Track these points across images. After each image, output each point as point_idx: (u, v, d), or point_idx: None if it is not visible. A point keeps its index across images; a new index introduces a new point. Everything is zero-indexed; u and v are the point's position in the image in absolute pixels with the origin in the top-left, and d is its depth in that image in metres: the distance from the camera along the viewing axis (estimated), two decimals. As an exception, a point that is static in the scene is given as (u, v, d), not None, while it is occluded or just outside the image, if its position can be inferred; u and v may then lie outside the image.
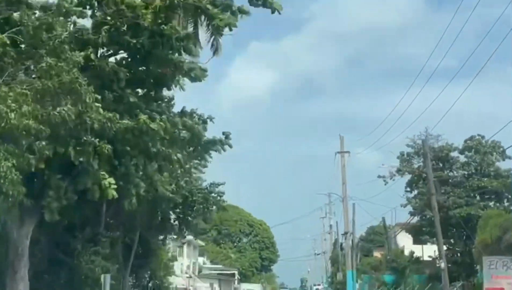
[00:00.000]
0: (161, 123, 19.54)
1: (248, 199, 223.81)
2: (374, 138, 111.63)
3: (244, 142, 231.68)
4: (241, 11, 20.81)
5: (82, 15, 19.19)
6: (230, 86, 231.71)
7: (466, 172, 52.33)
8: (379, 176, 55.65)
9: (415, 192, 54.37)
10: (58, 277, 27.33)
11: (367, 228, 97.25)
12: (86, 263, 26.80)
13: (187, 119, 22.30)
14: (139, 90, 22.80)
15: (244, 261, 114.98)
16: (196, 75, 21.74)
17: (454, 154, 53.42)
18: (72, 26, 19.48)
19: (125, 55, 21.28)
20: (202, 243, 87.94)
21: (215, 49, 26.16)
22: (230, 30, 20.71)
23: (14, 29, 16.67)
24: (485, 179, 50.36)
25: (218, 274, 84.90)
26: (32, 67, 16.90)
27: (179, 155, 21.67)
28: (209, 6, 20.16)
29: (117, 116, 18.48)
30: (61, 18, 17.75)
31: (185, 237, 42.54)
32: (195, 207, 34.21)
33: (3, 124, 15.30)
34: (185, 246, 71.20)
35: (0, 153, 15.83)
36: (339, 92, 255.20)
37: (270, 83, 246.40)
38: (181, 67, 20.96)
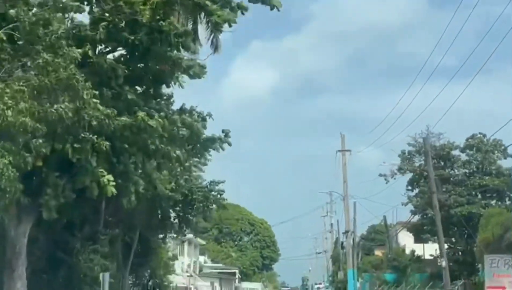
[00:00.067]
0: (160, 120, 19.34)
1: (249, 198, 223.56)
2: (375, 137, 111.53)
3: (245, 141, 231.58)
4: (240, 7, 20.67)
5: (79, 10, 18.97)
6: (231, 85, 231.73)
7: (467, 171, 52.27)
8: (380, 175, 55.59)
9: (416, 190, 54.30)
10: (57, 276, 27.15)
11: (368, 227, 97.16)
12: (85, 262, 26.61)
13: (186, 117, 22.09)
14: (138, 88, 22.61)
15: (245, 260, 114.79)
16: (195, 72, 21.57)
17: (456, 152, 53.41)
18: (69, 22, 19.29)
19: (123, 52, 21.09)
20: (203, 242, 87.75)
21: (215, 47, 26.04)
22: (230, 26, 20.55)
23: (10, 25, 16.45)
24: (487, 177, 50.33)
25: (219, 273, 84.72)
26: (29, 63, 16.68)
27: (178, 152, 21.46)
28: (208, 2, 20.00)
29: (115, 112, 18.26)
30: (59, 14, 17.52)
31: (185, 235, 42.37)
32: (195, 206, 34.04)
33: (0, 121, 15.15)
34: (185, 245, 71.08)
35: (-3, 150, 15.70)
36: (340, 91, 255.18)
37: (271, 82, 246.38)
38: (179, 64, 20.79)
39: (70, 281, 27.15)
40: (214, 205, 35.68)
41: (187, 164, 29.05)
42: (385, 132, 79.99)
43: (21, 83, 16.03)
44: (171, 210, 34.19)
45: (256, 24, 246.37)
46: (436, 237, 43.32)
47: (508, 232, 35.36)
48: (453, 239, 51.24)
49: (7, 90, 15.77)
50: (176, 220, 35.52)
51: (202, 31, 25.76)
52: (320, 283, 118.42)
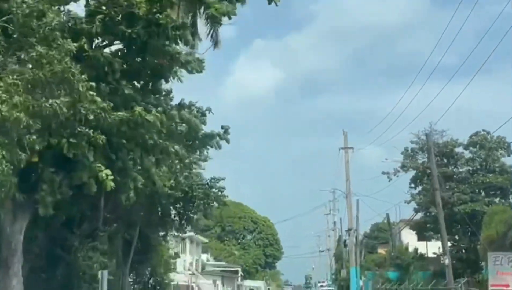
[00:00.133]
0: (157, 115, 19.01)
1: (252, 196, 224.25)
2: (377, 135, 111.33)
3: (247, 139, 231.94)
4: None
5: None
6: (233, 84, 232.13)
7: (471, 168, 51.95)
8: (383, 173, 55.31)
9: (419, 188, 54.01)
10: (55, 274, 26.90)
11: (371, 225, 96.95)
12: (84, 259, 26.39)
13: (185, 112, 21.78)
14: (136, 83, 22.29)
15: (248, 258, 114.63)
16: (193, 67, 21.23)
17: (459, 149, 53.07)
18: (65, 15, 18.95)
19: (120, 46, 20.77)
20: (205, 239, 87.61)
21: (215, 42, 25.74)
22: (229, 18, 20.24)
23: (4, 18, 16.14)
24: (490, 175, 50.03)
25: (221, 271, 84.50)
26: (22, 56, 16.35)
27: (176, 148, 21.15)
28: (205, -5, 19.68)
29: (111, 104, 17.92)
30: (53, 6, 17.17)
31: (185, 232, 42.08)
32: (195, 203, 33.74)
33: (-7, 116, 14.86)
34: (187, 243, 70.91)
35: (-10, 144, 15.41)
36: (341, 90, 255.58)
37: (273, 81, 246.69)
38: (177, 59, 20.45)
39: (69, 278, 26.90)
40: (215, 203, 35.36)
41: (187, 161, 28.77)
42: (386, 130, 79.95)
43: (15, 77, 15.72)
44: (171, 207, 33.86)
45: (259, 23, 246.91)
46: (439, 235, 43.06)
47: (512, 230, 35.12)
48: (457, 237, 50.96)
49: (1, 84, 15.47)
50: (177, 217, 35.20)
51: (202, 26, 25.49)
52: (323, 281, 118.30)
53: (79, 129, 17.38)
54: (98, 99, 17.10)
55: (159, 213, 33.42)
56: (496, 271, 32.44)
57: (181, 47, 21.63)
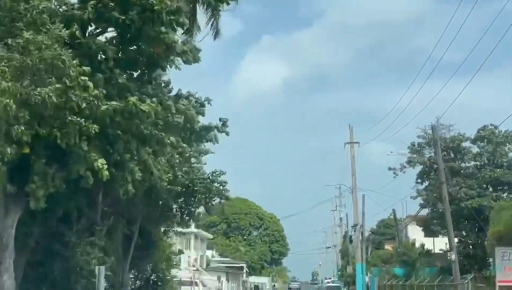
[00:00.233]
0: (152, 105, 18.37)
1: (258, 192, 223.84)
2: (383, 130, 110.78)
3: (255, 135, 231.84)
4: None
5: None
6: (242, 80, 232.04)
7: (478, 163, 51.42)
8: (389, 168, 54.92)
9: (426, 183, 53.50)
10: (53, 269, 26.37)
11: (377, 221, 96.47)
12: (82, 255, 25.84)
13: (181, 104, 21.08)
14: (133, 73, 21.68)
15: (254, 255, 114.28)
16: (188, 59, 20.57)
17: (466, 144, 52.52)
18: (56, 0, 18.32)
19: (114, 33, 20.12)
20: (210, 235, 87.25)
21: (215, 31, 25.15)
22: (228, 4, 19.63)
23: (-9, 3, 15.57)
24: (498, 169, 49.49)
25: (226, 267, 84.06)
26: (10, 41, 15.74)
27: (172, 139, 20.50)
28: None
29: (104, 91, 17.30)
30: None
31: (188, 227, 41.54)
32: (197, 197, 33.18)
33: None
34: (192, 239, 70.52)
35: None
36: (349, 85, 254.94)
37: (281, 77, 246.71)
38: (173, 48, 19.78)
39: (66, 274, 26.35)
40: (217, 198, 34.81)
41: (186, 154, 28.23)
42: (390, 126, 79.40)
43: (2, 64, 15.14)
44: (172, 202, 33.27)
45: (267, 19, 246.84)
46: (446, 231, 42.52)
47: (520, 225, 34.57)
48: (464, 233, 50.45)
49: (-12, 71, 14.92)
50: (178, 212, 34.65)
51: (203, 20, 24.89)
52: (329, 278, 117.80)
53: (70, 118, 16.70)
54: (90, 84, 16.47)
55: (160, 207, 32.82)
56: (504, 267, 32.00)
57: (178, 36, 21.07)
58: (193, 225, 45.79)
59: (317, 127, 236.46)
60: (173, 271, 42.15)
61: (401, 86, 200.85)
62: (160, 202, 32.05)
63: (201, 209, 35.86)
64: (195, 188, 32.76)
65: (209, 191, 33.42)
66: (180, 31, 21.73)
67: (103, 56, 19.07)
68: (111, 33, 20.21)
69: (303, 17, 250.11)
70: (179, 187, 29.79)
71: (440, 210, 46.36)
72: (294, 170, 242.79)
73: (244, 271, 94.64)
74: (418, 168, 53.89)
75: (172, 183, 27.47)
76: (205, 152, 31.85)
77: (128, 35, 19.60)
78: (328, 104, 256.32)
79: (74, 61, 16.22)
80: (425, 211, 56.19)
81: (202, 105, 22.91)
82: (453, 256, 37.86)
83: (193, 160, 31.82)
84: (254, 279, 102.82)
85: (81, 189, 23.92)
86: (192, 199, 33.50)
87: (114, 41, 20.09)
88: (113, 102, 18.04)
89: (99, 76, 18.62)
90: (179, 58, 20.64)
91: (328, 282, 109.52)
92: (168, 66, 21.16)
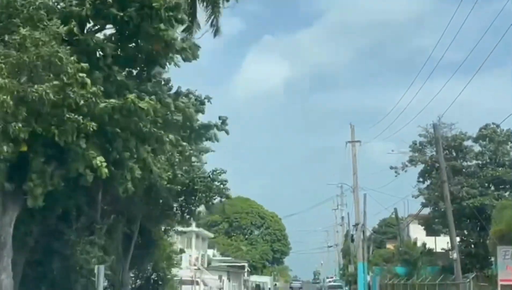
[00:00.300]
0: (151, 102, 18.22)
1: (259, 191, 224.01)
2: (385, 129, 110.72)
3: (256, 134, 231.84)
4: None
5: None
6: (243, 79, 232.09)
7: (480, 162, 51.25)
8: (391, 167, 54.82)
9: (428, 182, 53.36)
10: (52, 268, 26.25)
11: (379, 220, 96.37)
12: (81, 253, 25.72)
13: (180, 101, 20.91)
14: (133, 71, 21.54)
15: (255, 254, 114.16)
16: (187, 56, 20.40)
17: (468, 143, 52.36)
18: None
19: (113, 30, 19.98)
20: (211, 234, 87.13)
21: (215, 29, 25.00)
22: (227, 1, 19.48)
23: (-12, -1, 15.42)
24: (500, 168, 49.30)
25: (228, 266, 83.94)
26: (6, 38, 15.59)
27: (171, 137, 20.34)
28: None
29: (101, 88, 17.15)
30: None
31: (189, 225, 41.42)
32: (197, 196, 33.04)
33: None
34: (193, 238, 70.38)
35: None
36: (350, 85, 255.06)
37: (282, 76, 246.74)
38: (172, 45, 19.62)
39: (66, 273, 26.23)
40: (217, 196, 34.67)
41: (186, 153, 28.11)
42: (391, 124, 79.27)
43: (-1, 60, 15.01)
44: (172, 201, 33.13)
45: (268, 19, 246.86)
46: (447, 230, 42.37)
47: (522, 224, 34.43)
48: (465, 232, 50.23)
49: (-16, 68, 14.77)
50: (179, 211, 34.52)
51: (203, 14, 24.76)
52: (331, 277, 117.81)
53: (68, 115, 16.55)
54: (88, 81, 16.32)
55: (160, 206, 32.69)
56: (506, 266, 31.84)
57: (178, 33, 20.94)
58: (194, 224, 45.54)
59: (318, 127, 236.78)
60: (174, 270, 42.05)
61: (402, 86, 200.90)
62: (161, 201, 31.93)
63: (201, 207, 35.72)
64: (196, 187, 32.61)
65: (209, 189, 33.26)
66: (180, 28, 21.63)
67: (101, 53, 18.93)
68: (109, 30, 20.09)
69: (304, 17, 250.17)
70: (179, 187, 29.63)
71: (442, 209, 46.16)
72: (295, 170, 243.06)
73: (246, 270, 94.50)
74: (420, 167, 53.78)
75: (171, 181, 27.32)
76: (206, 150, 31.68)
77: (127, 32, 19.48)
78: (329, 104, 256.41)
79: (72, 58, 16.06)
80: (427, 210, 56.09)
81: (202, 103, 22.72)
82: (454, 255, 37.71)
83: (193, 159, 31.67)
84: (255, 278, 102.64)
85: (80, 187, 23.80)
86: (193, 197, 33.37)
87: (113, 38, 19.95)
88: (112, 100, 17.90)
89: (97, 73, 18.50)
90: (178, 56, 20.47)
91: (330, 282, 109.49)
92: (167, 63, 21.00)
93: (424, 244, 56.70)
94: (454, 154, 51.93)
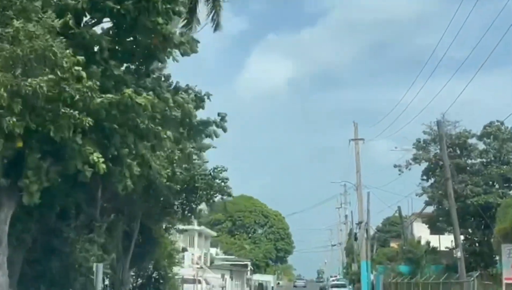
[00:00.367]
0: (148, 97, 17.86)
1: (263, 190, 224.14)
2: (389, 128, 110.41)
3: (260, 133, 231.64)
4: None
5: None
6: (247, 78, 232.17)
7: (484, 160, 50.98)
8: (395, 166, 54.61)
9: (432, 180, 53.11)
10: (51, 266, 25.95)
11: (383, 219, 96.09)
12: (80, 252, 25.45)
13: (179, 97, 20.51)
14: (131, 66, 21.18)
15: (258, 252, 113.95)
16: (186, 50, 20.03)
17: (472, 141, 52.10)
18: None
19: (110, 24, 19.63)
20: (213, 233, 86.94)
21: (216, 24, 24.65)
22: (228, -5, 19.15)
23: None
24: (504, 166, 49.04)
25: (231, 265, 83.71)
26: (0, 31, 15.26)
27: (169, 133, 19.99)
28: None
29: (98, 83, 16.80)
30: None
31: (190, 223, 41.14)
32: (198, 194, 32.77)
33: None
34: (196, 237, 70.18)
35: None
36: (354, 83, 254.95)
37: (286, 75, 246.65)
38: (171, 39, 19.28)
39: (65, 271, 25.97)
40: (218, 194, 34.38)
41: (187, 151, 27.81)
42: (393, 122, 79.01)
43: (-8, 54, 14.67)
44: (173, 198, 32.82)
45: (272, 17, 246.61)
46: (452, 228, 42.07)
47: (527, 222, 34.08)
48: (470, 230, 49.95)
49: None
50: (180, 209, 34.23)
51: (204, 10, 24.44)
52: (335, 276, 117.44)
53: (63, 110, 16.20)
54: (84, 74, 15.97)
55: (161, 204, 32.40)
56: (511, 264, 31.59)
57: (178, 28, 20.62)
58: (195, 222, 45.25)
59: (321, 125, 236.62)
60: (176, 269, 41.84)
61: (405, 85, 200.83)
62: (161, 199, 31.65)
63: (202, 205, 35.45)
64: (196, 185, 32.33)
65: (210, 187, 32.99)
66: (180, 24, 21.28)
67: (98, 47, 18.58)
68: (107, 24, 19.74)
69: (308, 16, 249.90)
70: (178, 186, 29.32)
71: (446, 208, 45.88)
72: (298, 169, 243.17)
73: (249, 269, 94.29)
74: (424, 165, 53.54)
75: (170, 179, 27.01)
76: (207, 147, 31.34)
77: (124, 25, 19.10)
78: (332, 102, 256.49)
79: (68, 51, 15.72)
80: (431, 209, 55.84)
81: (202, 100, 22.30)
82: (458, 253, 37.39)
83: (194, 156, 31.35)
84: (258, 277, 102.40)
85: (79, 184, 23.47)
86: (193, 195, 33.10)
87: (110, 32, 19.61)
88: (109, 95, 17.54)
89: (94, 68, 18.15)
90: (176, 50, 20.11)
91: (333, 280, 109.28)
92: (166, 58, 20.63)
93: (428, 243, 56.43)
94: (458, 152, 51.69)
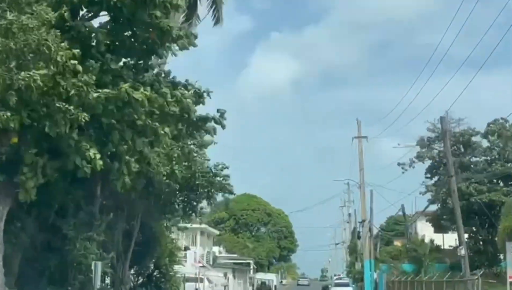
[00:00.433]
0: (146, 92, 17.53)
1: (266, 189, 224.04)
2: (393, 126, 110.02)
3: (263, 131, 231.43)
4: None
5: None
6: (251, 77, 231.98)
7: (488, 157, 50.67)
8: (399, 164, 54.37)
9: (436, 178, 52.85)
10: (49, 264, 25.68)
11: (387, 218, 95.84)
12: (79, 250, 25.18)
13: (177, 92, 20.14)
14: (129, 60, 20.85)
15: (261, 251, 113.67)
16: (184, 44, 19.69)
17: (476, 138, 51.78)
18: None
19: (107, 18, 19.30)
20: (216, 231, 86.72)
21: (216, 18, 24.36)
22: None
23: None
24: (509, 164, 48.71)
25: (233, 263, 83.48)
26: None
27: (166, 130, 19.66)
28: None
29: (94, 78, 16.48)
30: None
31: (191, 221, 40.88)
32: (198, 191, 32.48)
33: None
34: (198, 235, 69.95)
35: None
36: (358, 82, 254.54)
37: (290, 73, 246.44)
38: (168, 32, 18.93)
39: (64, 269, 25.71)
40: (219, 192, 34.06)
41: (186, 150, 27.53)
42: (396, 120, 78.69)
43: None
44: (174, 196, 32.55)
45: (275, 16, 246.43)
46: (456, 226, 41.75)
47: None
48: (474, 228, 49.60)
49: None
50: (181, 206, 33.96)
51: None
52: (339, 275, 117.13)
53: (58, 105, 15.88)
54: (80, 68, 15.66)
55: (162, 201, 32.10)
56: (515, 262, 31.28)
57: (179, 24, 20.29)
58: (198, 220, 44.94)
59: (326, 123, 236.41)
60: (178, 267, 41.53)
61: (410, 83, 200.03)
62: (162, 197, 31.37)
63: (204, 203, 35.16)
64: (197, 182, 32.00)
65: (211, 184, 32.66)
66: (179, 20, 20.95)
67: (95, 40, 18.27)
68: (104, 18, 19.41)
69: (311, 14, 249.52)
70: (177, 184, 29.03)
71: (450, 206, 45.54)
72: (303, 167, 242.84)
73: (251, 267, 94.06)
74: (427, 163, 53.27)
75: (169, 177, 26.72)
76: (207, 143, 30.97)
77: (121, 19, 18.80)
78: (336, 101, 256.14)
79: (63, 44, 15.40)
80: (434, 207, 55.57)
81: (201, 96, 21.90)
82: (462, 251, 37.02)
83: (194, 153, 31.05)
84: (261, 276, 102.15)
85: (78, 182, 23.25)
86: (194, 193, 32.82)
87: (108, 27, 19.28)
88: (106, 90, 17.24)
89: (92, 62, 17.84)
90: (175, 45, 19.77)
91: (337, 279, 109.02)
92: (164, 52, 20.30)
93: (432, 241, 56.12)
94: (462, 150, 51.40)
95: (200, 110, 23.27)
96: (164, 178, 25.90)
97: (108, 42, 18.73)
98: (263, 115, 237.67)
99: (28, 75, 14.35)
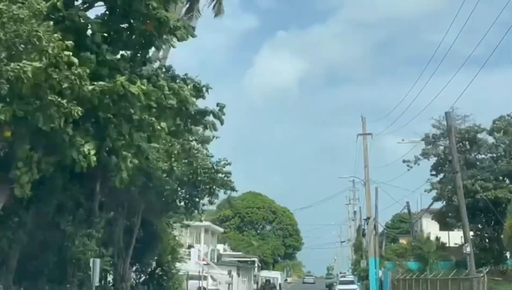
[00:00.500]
0: (142, 86, 17.10)
1: (271, 187, 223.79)
2: (397, 123, 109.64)
3: (269, 129, 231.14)
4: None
5: None
6: (257, 75, 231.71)
7: (494, 155, 50.16)
8: (404, 161, 53.93)
9: (441, 175, 52.38)
10: (48, 261, 25.41)
11: (392, 215, 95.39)
12: (78, 247, 24.89)
13: (175, 84, 19.72)
14: (126, 53, 20.45)
15: (266, 249, 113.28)
16: (182, 35, 19.26)
17: (482, 135, 51.25)
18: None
19: (103, 9, 18.92)
20: (221, 229, 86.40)
21: (217, 10, 24.02)
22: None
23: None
24: (515, 161, 48.25)
25: (238, 261, 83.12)
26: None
27: (163, 124, 19.24)
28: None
29: (87, 71, 16.06)
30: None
31: (193, 217, 40.67)
32: (200, 188, 32.16)
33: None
34: (202, 233, 69.64)
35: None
36: (364, 80, 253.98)
37: (296, 72, 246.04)
38: (166, 23, 18.51)
39: (63, 266, 25.46)
40: (221, 188, 33.75)
41: (187, 146, 27.19)
42: (400, 116, 78.32)
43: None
44: (175, 192, 32.19)
45: (281, 15, 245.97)
46: (461, 224, 41.28)
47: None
48: (480, 226, 49.08)
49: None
50: (182, 203, 33.64)
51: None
52: (344, 272, 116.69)
53: (50, 98, 15.46)
54: (75, 60, 15.28)
55: (164, 198, 31.73)
56: (521, 260, 30.82)
57: (179, 15, 19.90)
58: (200, 217, 44.67)
59: (332, 121, 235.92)
60: (181, 265, 41.24)
61: (414, 81, 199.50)
62: (164, 193, 31.01)
63: (205, 200, 34.86)
64: (199, 178, 31.68)
65: (213, 181, 32.34)
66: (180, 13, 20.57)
67: (90, 31, 17.86)
68: (100, 8, 19.02)
69: (318, 13, 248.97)
70: (177, 181, 28.69)
71: (455, 203, 45.07)
72: (308, 164, 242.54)
73: (256, 265, 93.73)
74: (433, 160, 52.78)
75: (169, 173, 26.39)
76: (209, 139, 30.64)
77: (117, 10, 18.40)
78: (341, 99, 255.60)
79: (55, 35, 15.01)
80: (440, 204, 55.09)
81: (200, 90, 21.47)
82: (467, 249, 36.53)
83: (195, 149, 30.73)
84: (266, 274, 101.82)
85: (77, 178, 22.96)
86: (196, 189, 32.52)
87: (105, 18, 18.88)
88: (101, 82, 16.82)
89: (88, 54, 17.43)
90: (173, 37, 19.35)
91: (342, 277, 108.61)
92: (162, 44, 19.89)
93: (437, 238, 55.67)
94: (467, 146, 50.89)
95: (201, 106, 22.93)
96: (164, 175, 25.57)
97: (104, 33, 18.32)
98: (269, 113, 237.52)
99: (18, 66, 13.96)
